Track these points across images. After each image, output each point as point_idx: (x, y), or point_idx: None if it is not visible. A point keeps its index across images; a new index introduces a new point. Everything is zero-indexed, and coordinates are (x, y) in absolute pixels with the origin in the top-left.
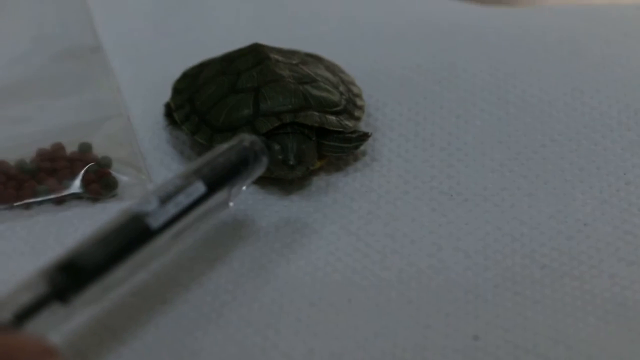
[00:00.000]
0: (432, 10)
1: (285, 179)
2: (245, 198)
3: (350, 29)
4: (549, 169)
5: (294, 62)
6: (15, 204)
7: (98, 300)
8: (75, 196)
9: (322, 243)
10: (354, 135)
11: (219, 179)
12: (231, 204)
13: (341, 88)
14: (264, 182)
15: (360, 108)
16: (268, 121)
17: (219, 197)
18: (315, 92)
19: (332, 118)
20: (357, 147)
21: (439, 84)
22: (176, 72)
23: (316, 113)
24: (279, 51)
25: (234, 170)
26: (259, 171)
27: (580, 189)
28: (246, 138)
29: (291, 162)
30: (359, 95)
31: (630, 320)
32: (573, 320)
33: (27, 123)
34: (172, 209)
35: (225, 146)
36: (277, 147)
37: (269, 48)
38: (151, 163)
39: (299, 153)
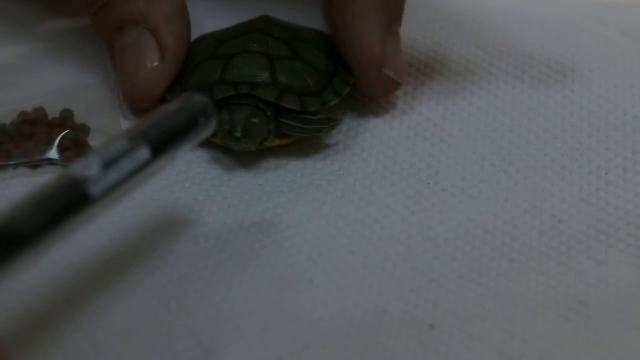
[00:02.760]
0: (426, 3)
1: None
2: (219, 173)
3: None
4: (530, 165)
5: (291, 38)
6: None
7: (26, 267)
8: (50, 162)
9: (291, 223)
10: (314, 118)
11: (165, 144)
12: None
13: (330, 69)
14: (239, 159)
15: (338, 94)
16: (225, 89)
17: (162, 161)
18: (289, 69)
19: (293, 97)
20: (319, 131)
21: (429, 76)
22: None
23: (276, 89)
24: (285, 26)
25: (182, 135)
26: (207, 134)
27: (560, 186)
28: (196, 99)
29: (236, 134)
30: (347, 82)
31: (590, 319)
32: (532, 315)
33: (10, 87)
34: (114, 175)
35: (173, 106)
36: (227, 116)
37: (271, 20)
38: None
39: (246, 126)
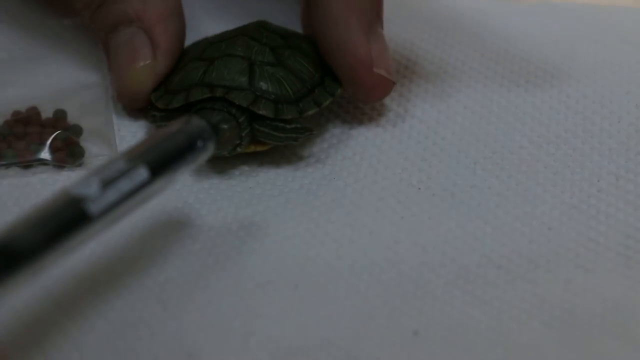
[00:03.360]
0: (428, 3)
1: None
2: (210, 176)
3: None
4: (522, 171)
5: (280, 44)
6: None
7: (26, 284)
8: (41, 162)
9: (279, 227)
10: (288, 126)
11: (164, 165)
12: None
13: (315, 77)
14: (231, 161)
15: (318, 103)
16: (201, 91)
17: (161, 183)
18: (268, 75)
19: (268, 103)
20: (294, 140)
21: (425, 78)
22: None
23: (251, 94)
24: (278, 33)
25: (180, 157)
26: (205, 157)
27: (552, 192)
28: (195, 122)
29: None
30: (332, 93)
31: (576, 327)
32: (517, 323)
33: (4, 86)
34: (112, 195)
35: (172, 128)
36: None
37: (264, 26)
38: (124, 135)
39: (217, 132)
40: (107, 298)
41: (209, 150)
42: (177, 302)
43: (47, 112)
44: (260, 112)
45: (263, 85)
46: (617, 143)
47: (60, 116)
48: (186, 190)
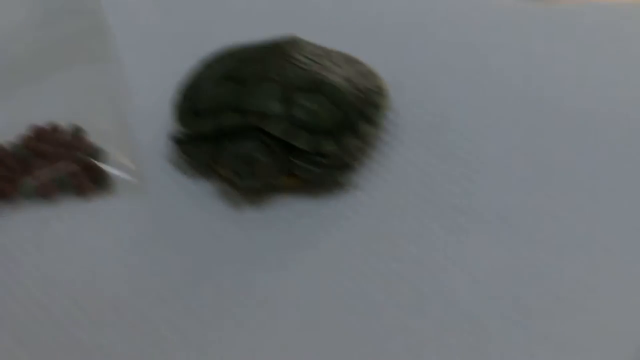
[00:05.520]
0: (467, 7)
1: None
2: (240, 205)
3: (375, 23)
4: (576, 187)
5: (313, 64)
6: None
7: None
8: (63, 189)
9: (319, 261)
10: (325, 161)
11: None
12: None
13: (355, 105)
14: (265, 191)
15: (363, 137)
16: (233, 117)
17: None
18: (306, 103)
19: (305, 134)
20: (331, 175)
21: (468, 88)
22: (185, 62)
23: (287, 124)
24: (309, 49)
25: None
26: None
27: (612, 212)
28: None
29: (239, 171)
30: (371, 121)
31: None
32: None
33: (24, 101)
34: None
35: None
36: (230, 149)
37: (298, 44)
38: (147, 156)
39: (250, 162)
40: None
41: None
42: (212, 342)
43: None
44: (297, 144)
45: (299, 114)
46: None
47: (78, 134)
48: (217, 222)
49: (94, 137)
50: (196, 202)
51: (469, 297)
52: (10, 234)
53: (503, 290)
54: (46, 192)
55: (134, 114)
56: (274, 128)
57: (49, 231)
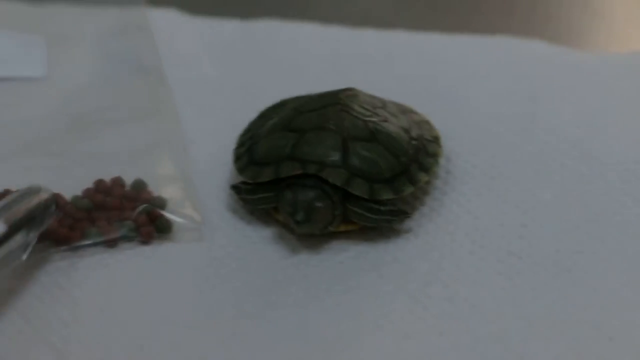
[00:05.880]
0: (517, 55)
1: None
2: (298, 251)
3: (427, 70)
4: (629, 234)
5: (370, 114)
6: (62, 248)
7: None
8: (126, 239)
9: (374, 304)
10: (382, 208)
11: (18, 221)
12: (24, 256)
13: (410, 153)
14: (320, 236)
15: (414, 182)
16: (292, 166)
17: (17, 240)
18: (362, 152)
19: (363, 183)
20: (388, 222)
21: (518, 135)
22: (242, 114)
23: (345, 173)
24: (365, 100)
25: (32, 216)
26: (49, 221)
27: None
28: (36, 188)
29: (297, 217)
30: (426, 168)
31: None
32: None
33: (88, 156)
34: None
35: (21, 191)
36: (289, 196)
37: (355, 95)
38: (207, 204)
39: (309, 210)
40: None
41: (53, 213)
42: None
43: (127, 179)
44: (356, 193)
45: (357, 162)
46: None
47: (140, 187)
48: (274, 267)
49: (156, 188)
50: (254, 247)
51: (523, 340)
52: (74, 278)
53: (557, 334)
54: (110, 239)
55: (194, 165)
56: (333, 177)
57: (111, 276)
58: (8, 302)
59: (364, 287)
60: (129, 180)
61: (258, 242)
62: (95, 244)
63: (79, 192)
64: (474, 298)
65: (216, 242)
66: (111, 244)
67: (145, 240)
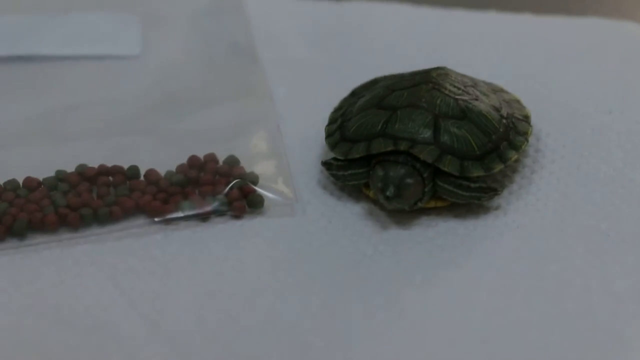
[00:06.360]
0: (608, 35)
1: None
2: (388, 227)
3: (518, 50)
4: None
5: (461, 92)
6: (157, 219)
7: None
8: (218, 213)
9: (463, 279)
10: (472, 185)
11: None
12: None
13: (501, 132)
14: (410, 212)
15: (504, 160)
16: (384, 143)
17: None
18: (454, 129)
19: (454, 160)
20: (477, 199)
21: (609, 115)
22: (333, 93)
23: (436, 150)
24: (457, 79)
25: None
26: None
27: None
28: None
29: (388, 193)
30: (516, 147)
31: None
32: None
33: (183, 134)
34: None
35: None
36: (381, 173)
37: (447, 73)
38: (297, 180)
39: (400, 186)
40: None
41: None
42: (361, 356)
43: (220, 155)
44: (446, 169)
45: (448, 140)
46: None
47: (233, 163)
48: (364, 242)
49: (248, 164)
50: (345, 222)
51: (612, 316)
52: (168, 250)
53: None
54: (202, 212)
55: (286, 142)
56: (424, 154)
57: (204, 248)
58: (104, 273)
59: (453, 263)
60: (222, 157)
61: (348, 217)
62: (188, 217)
63: (172, 169)
64: (562, 274)
65: (307, 217)
66: (204, 217)
67: (237, 214)
